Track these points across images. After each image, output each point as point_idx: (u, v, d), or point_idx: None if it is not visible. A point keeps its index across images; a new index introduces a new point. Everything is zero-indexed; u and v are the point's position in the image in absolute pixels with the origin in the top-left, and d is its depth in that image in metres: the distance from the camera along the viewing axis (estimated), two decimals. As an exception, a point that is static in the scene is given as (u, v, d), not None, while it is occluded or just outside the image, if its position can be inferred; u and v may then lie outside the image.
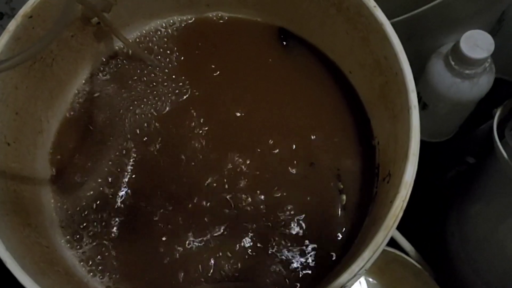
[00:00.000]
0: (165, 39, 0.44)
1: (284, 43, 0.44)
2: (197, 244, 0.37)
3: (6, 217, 0.32)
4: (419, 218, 0.50)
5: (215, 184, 0.39)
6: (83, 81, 0.43)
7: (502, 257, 0.45)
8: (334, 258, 0.36)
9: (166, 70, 0.43)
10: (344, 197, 0.38)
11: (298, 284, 0.35)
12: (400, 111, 0.33)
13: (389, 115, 0.36)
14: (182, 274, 0.36)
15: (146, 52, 0.44)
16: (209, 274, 0.36)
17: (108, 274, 0.37)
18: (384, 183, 0.35)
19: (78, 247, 0.38)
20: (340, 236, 0.37)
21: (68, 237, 0.38)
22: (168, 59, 0.44)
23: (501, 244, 0.44)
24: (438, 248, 0.55)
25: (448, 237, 0.53)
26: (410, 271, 0.52)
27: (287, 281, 0.36)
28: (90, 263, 0.37)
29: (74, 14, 0.34)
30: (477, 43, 0.43)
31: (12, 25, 0.34)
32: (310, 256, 0.37)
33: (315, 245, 0.37)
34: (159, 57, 0.44)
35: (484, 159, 0.48)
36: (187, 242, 0.37)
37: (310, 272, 0.36)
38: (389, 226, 0.28)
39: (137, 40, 0.45)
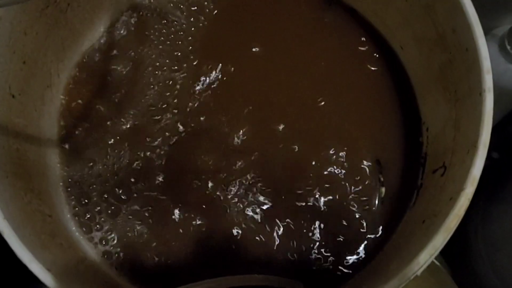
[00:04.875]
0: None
1: (328, 7, 0.39)
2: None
3: (5, 180, 0.28)
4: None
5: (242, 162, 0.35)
6: (99, 34, 0.38)
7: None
8: (367, 253, 0.33)
9: (193, 29, 0.38)
10: (383, 189, 0.34)
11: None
12: (466, 94, 0.28)
13: (449, 99, 0.31)
14: (198, 253, 0.33)
15: (172, 6, 0.39)
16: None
17: (115, 249, 0.33)
18: (435, 176, 0.31)
19: (85, 217, 0.34)
20: (376, 229, 0.34)
21: (73, 206, 0.35)
22: (196, 18, 0.39)
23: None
24: (458, 245, 0.52)
25: (470, 235, 0.50)
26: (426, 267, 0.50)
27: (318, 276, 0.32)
28: (97, 236, 0.34)
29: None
30: (540, 28, 0.39)
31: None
32: (344, 249, 0.33)
33: (349, 238, 0.33)
34: (187, 14, 0.39)
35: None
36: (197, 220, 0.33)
37: (344, 267, 0.32)
38: (451, 228, 0.24)
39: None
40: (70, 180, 0.35)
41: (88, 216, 0.34)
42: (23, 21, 0.31)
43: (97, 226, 0.34)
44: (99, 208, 0.34)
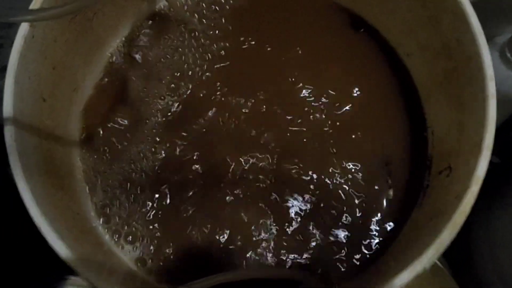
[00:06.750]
0: (214, 2, 0.41)
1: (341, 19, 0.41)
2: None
3: (40, 178, 0.30)
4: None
5: (253, 161, 0.37)
6: (122, 40, 0.40)
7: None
8: (377, 249, 0.35)
9: (211, 34, 0.40)
10: (391, 192, 0.36)
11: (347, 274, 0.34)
12: (471, 99, 0.30)
13: (453, 103, 0.33)
14: (221, 256, 0.34)
15: (189, 15, 0.41)
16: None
17: (137, 249, 0.35)
18: (441, 177, 0.33)
19: (106, 217, 0.36)
20: (384, 228, 0.35)
21: (95, 205, 0.36)
22: (214, 25, 0.41)
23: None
24: (460, 247, 0.54)
25: (472, 236, 0.51)
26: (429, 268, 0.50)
27: (330, 272, 0.34)
28: (118, 235, 0.35)
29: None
30: (540, 36, 0.40)
31: (56, -29, 0.32)
32: (353, 246, 0.35)
33: (357, 237, 0.35)
34: (205, 21, 0.41)
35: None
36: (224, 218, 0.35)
37: (353, 263, 0.34)
38: (458, 224, 0.26)
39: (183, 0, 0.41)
40: (93, 180, 0.37)
41: (107, 214, 0.36)
42: (54, 29, 0.33)
43: (115, 224, 0.35)
44: (117, 208, 0.36)
